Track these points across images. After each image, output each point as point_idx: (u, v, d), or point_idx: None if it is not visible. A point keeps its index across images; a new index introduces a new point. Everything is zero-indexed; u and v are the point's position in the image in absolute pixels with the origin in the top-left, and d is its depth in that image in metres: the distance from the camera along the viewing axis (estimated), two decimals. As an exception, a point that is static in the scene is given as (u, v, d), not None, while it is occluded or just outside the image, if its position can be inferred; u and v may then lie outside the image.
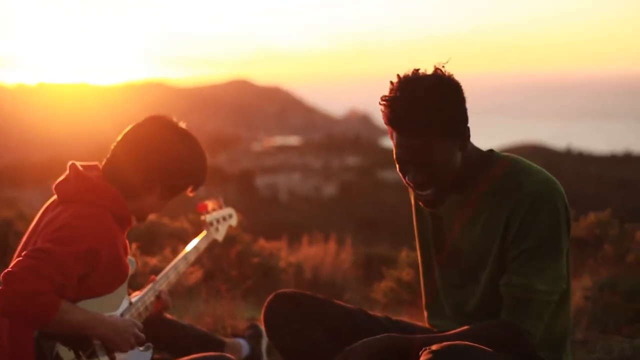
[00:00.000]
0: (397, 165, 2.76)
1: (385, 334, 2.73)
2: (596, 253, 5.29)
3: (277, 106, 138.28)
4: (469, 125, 2.71)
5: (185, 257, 3.77)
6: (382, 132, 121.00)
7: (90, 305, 3.06)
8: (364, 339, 2.72)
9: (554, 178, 2.72)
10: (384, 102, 2.65)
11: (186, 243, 3.97)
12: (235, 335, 4.29)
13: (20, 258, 2.81)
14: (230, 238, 7.18)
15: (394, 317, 3.33)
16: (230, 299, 4.74)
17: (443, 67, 2.67)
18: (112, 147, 3.31)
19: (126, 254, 3.29)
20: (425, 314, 3.17)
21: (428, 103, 2.59)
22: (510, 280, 2.67)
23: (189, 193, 3.51)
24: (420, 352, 2.48)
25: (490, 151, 2.84)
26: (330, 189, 67.61)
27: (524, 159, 2.79)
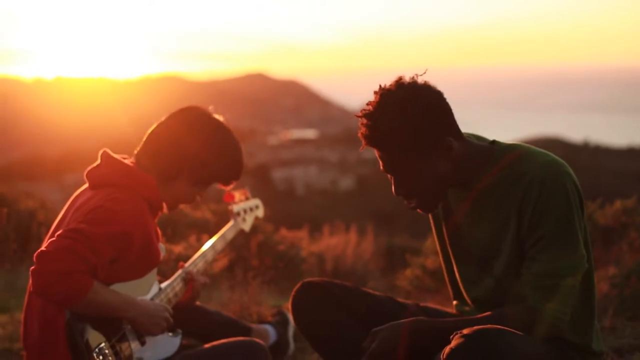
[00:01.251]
0: None
1: (413, 318, 2.73)
2: (622, 240, 5.26)
3: (293, 100, 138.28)
4: (452, 131, 2.72)
5: (213, 246, 3.80)
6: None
7: (122, 289, 3.08)
8: (392, 322, 2.72)
9: (560, 159, 2.71)
10: (358, 117, 2.73)
11: (207, 232, 3.97)
12: (262, 322, 4.29)
13: (54, 238, 2.83)
14: (252, 228, 7.20)
15: (422, 304, 3.32)
16: (257, 285, 4.73)
17: (417, 76, 2.69)
18: (146, 135, 3.33)
19: (158, 239, 3.30)
20: (454, 303, 3.16)
21: (394, 118, 2.64)
22: (531, 268, 2.65)
23: (224, 186, 3.51)
24: (452, 337, 2.46)
25: (492, 143, 2.82)
26: (347, 182, 67.50)
27: (526, 145, 2.78)
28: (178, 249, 5.34)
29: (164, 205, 3.35)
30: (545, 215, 2.61)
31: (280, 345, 4.12)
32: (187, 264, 3.61)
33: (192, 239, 5.74)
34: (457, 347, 2.40)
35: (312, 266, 7.12)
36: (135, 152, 3.32)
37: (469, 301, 3.00)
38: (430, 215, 3.09)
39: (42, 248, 2.79)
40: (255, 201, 4.18)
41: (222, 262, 5.25)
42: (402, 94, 2.66)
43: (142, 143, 3.32)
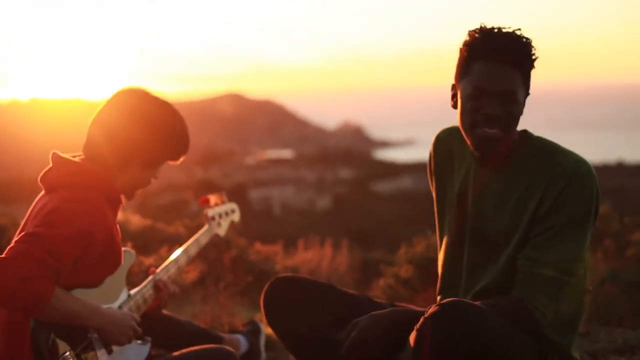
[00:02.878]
0: (469, 104, 2.75)
1: (393, 308, 2.70)
2: (597, 248, 5.26)
3: (269, 119, 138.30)
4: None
5: (186, 250, 3.72)
6: (376, 144, 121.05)
7: (87, 296, 3.02)
8: (372, 313, 2.68)
9: (586, 160, 2.72)
10: (472, 34, 2.74)
11: (180, 246, 3.90)
12: (233, 332, 4.24)
13: (12, 244, 2.76)
14: (225, 242, 7.14)
15: (398, 303, 3.28)
16: (228, 296, 4.68)
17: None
18: (89, 126, 3.24)
19: (119, 236, 3.23)
20: (438, 298, 3.09)
21: (524, 40, 2.70)
22: (528, 254, 2.65)
23: (174, 162, 3.42)
24: (427, 308, 2.44)
25: (524, 131, 2.84)
26: (324, 202, 67.44)
27: (555, 142, 2.80)
28: (149, 260, 5.28)
29: (122, 196, 3.27)
30: (564, 207, 2.62)
31: (251, 354, 4.07)
32: (158, 270, 3.55)
33: (164, 250, 5.69)
34: (430, 314, 2.38)
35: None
36: (83, 145, 3.24)
37: (461, 291, 2.91)
38: (436, 198, 3.05)
39: (1, 255, 2.72)
40: (231, 205, 4.10)
41: (194, 274, 5.20)
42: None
43: (86, 135, 3.22)
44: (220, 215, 3.97)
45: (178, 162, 3.44)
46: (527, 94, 2.77)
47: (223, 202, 4.03)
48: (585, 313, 4.33)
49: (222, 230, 3.98)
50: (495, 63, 2.70)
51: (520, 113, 2.74)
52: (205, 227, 3.91)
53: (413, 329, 2.52)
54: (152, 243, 6.94)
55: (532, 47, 2.71)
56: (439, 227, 3.06)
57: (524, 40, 2.70)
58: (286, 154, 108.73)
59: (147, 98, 3.27)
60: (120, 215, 3.31)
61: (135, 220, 7.80)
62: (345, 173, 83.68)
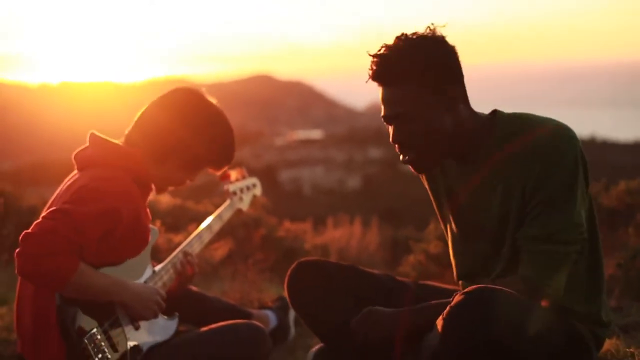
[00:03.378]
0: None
1: (412, 307, 2.69)
2: (628, 222, 5.19)
3: (299, 100, 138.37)
4: (460, 89, 2.67)
5: (209, 226, 3.72)
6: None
7: (113, 272, 3.02)
8: (391, 310, 2.69)
9: (565, 124, 2.63)
10: (370, 57, 2.65)
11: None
12: (262, 308, 4.23)
13: (39, 220, 2.78)
14: (255, 220, 7.16)
15: (422, 282, 3.26)
16: (257, 273, 4.68)
17: (434, 27, 2.64)
18: (137, 116, 3.29)
19: (147, 219, 3.24)
20: (460, 283, 3.06)
21: (406, 53, 2.60)
22: (525, 233, 2.59)
23: (214, 171, 3.45)
24: (453, 296, 2.42)
25: (493, 112, 2.75)
26: (353, 182, 67.42)
27: (529, 114, 2.71)
28: (178, 238, 5.29)
29: (153, 186, 3.30)
30: (546, 182, 2.54)
31: (280, 330, 4.07)
32: (182, 245, 3.55)
33: (192, 228, 5.70)
34: (457, 304, 2.34)
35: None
36: (126, 132, 3.27)
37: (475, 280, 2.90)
38: (431, 195, 3.00)
39: (27, 230, 2.74)
40: (252, 179, 4.10)
41: (223, 251, 5.20)
42: (416, 35, 2.63)
43: (133, 123, 3.28)
44: (241, 190, 3.98)
45: (220, 173, 3.46)
46: (444, 97, 2.63)
47: (244, 177, 4.03)
48: (617, 288, 4.32)
49: (244, 205, 3.99)
50: (382, 87, 2.68)
51: (432, 127, 2.64)
52: (227, 202, 3.91)
53: (431, 324, 2.53)
54: (181, 221, 6.96)
55: (417, 50, 2.60)
56: (441, 219, 3.03)
57: (406, 54, 2.60)
58: (316, 134, 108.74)
59: (197, 101, 3.29)
60: (150, 195, 3.33)
61: (165, 200, 7.83)
62: (374, 153, 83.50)
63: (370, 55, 2.65)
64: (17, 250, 2.71)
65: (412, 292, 3.06)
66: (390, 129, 2.70)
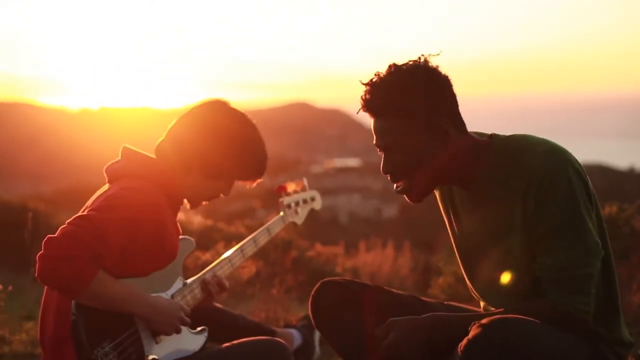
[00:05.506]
0: None
1: (431, 313, 2.63)
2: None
3: (337, 129, 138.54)
4: (452, 117, 2.65)
5: (254, 238, 3.63)
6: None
7: (137, 284, 3.00)
8: (411, 316, 2.62)
9: (560, 146, 2.60)
10: (363, 84, 2.66)
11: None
12: (287, 326, 4.19)
13: (64, 225, 2.79)
14: (286, 243, 7.13)
15: (447, 302, 3.22)
16: (284, 291, 4.64)
17: (428, 56, 2.64)
18: (169, 127, 3.28)
19: (177, 232, 3.22)
20: (482, 304, 3.03)
21: (396, 85, 2.60)
22: (543, 264, 2.55)
23: (244, 183, 3.40)
24: (470, 327, 2.37)
25: (491, 136, 2.73)
26: (390, 211, 67.20)
27: (524, 135, 2.68)
28: (205, 256, 5.27)
29: (186, 200, 3.28)
30: (548, 206, 2.52)
31: (305, 348, 4.02)
32: (222, 257, 3.51)
33: (220, 245, 5.68)
34: (475, 337, 2.31)
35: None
36: (157, 142, 3.27)
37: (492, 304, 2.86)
38: (444, 216, 2.99)
39: (51, 235, 2.75)
40: (312, 193, 3.94)
41: (250, 271, 5.16)
42: (408, 65, 2.62)
43: (164, 134, 3.27)
44: (297, 203, 3.84)
45: (250, 184, 3.38)
46: (431, 128, 2.62)
47: (303, 190, 3.89)
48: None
49: (299, 219, 3.85)
50: (373, 118, 2.70)
51: (421, 156, 2.65)
52: (280, 214, 3.78)
53: (451, 332, 2.51)
54: (210, 241, 6.96)
55: (407, 82, 2.60)
56: (453, 240, 3.01)
57: (394, 84, 2.60)
58: (353, 162, 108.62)
59: (223, 109, 3.28)
60: (182, 215, 3.30)
61: (197, 220, 7.84)
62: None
63: (362, 84, 2.66)
64: (39, 253, 2.72)
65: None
66: (382, 159, 2.73)
